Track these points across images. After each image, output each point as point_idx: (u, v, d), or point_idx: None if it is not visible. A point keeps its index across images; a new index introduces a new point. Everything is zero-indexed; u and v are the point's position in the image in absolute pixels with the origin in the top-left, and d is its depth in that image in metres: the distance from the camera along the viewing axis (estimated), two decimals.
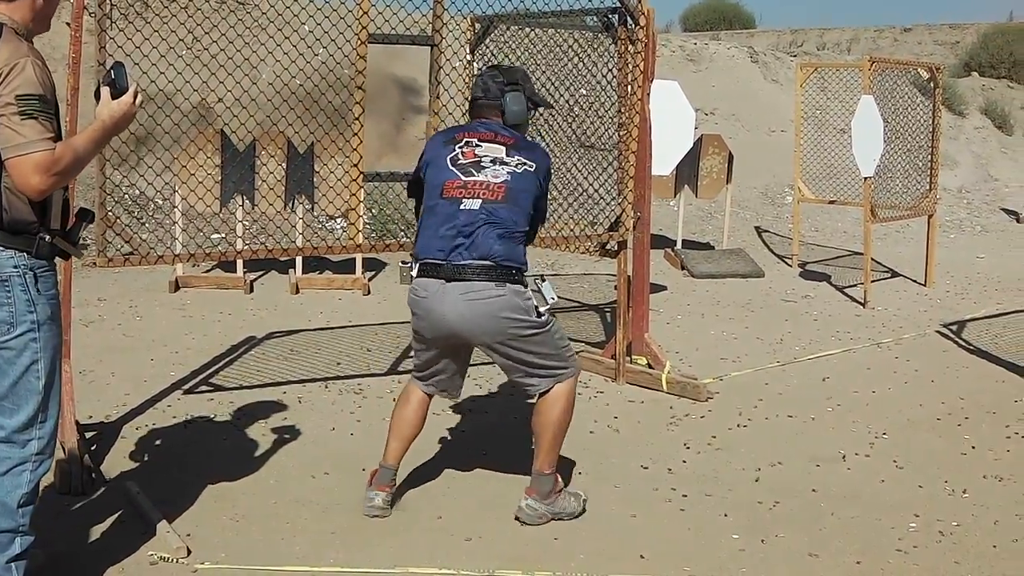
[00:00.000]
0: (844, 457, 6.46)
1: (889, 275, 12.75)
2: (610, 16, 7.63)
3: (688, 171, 12.73)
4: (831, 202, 13.71)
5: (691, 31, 35.29)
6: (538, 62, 8.12)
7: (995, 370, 8.67)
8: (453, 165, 5.09)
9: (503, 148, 5.09)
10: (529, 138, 5.37)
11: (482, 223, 4.97)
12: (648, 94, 7.51)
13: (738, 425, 6.95)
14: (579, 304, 10.24)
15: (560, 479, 5.33)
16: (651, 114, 7.58)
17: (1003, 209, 19.29)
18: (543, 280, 5.14)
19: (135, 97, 3.90)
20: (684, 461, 6.26)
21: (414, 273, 5.11)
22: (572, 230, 7.66)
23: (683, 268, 12.29)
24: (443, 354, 5.24)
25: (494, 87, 5.16)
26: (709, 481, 5.95)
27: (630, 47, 7.50)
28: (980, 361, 8.97)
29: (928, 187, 12.23)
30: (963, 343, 9.55)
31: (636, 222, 7.56)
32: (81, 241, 4.08)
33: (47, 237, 3.86)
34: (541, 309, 5.03)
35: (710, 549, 5.11)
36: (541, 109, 5.93)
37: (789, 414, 7.22)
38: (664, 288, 11.19)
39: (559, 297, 5.55)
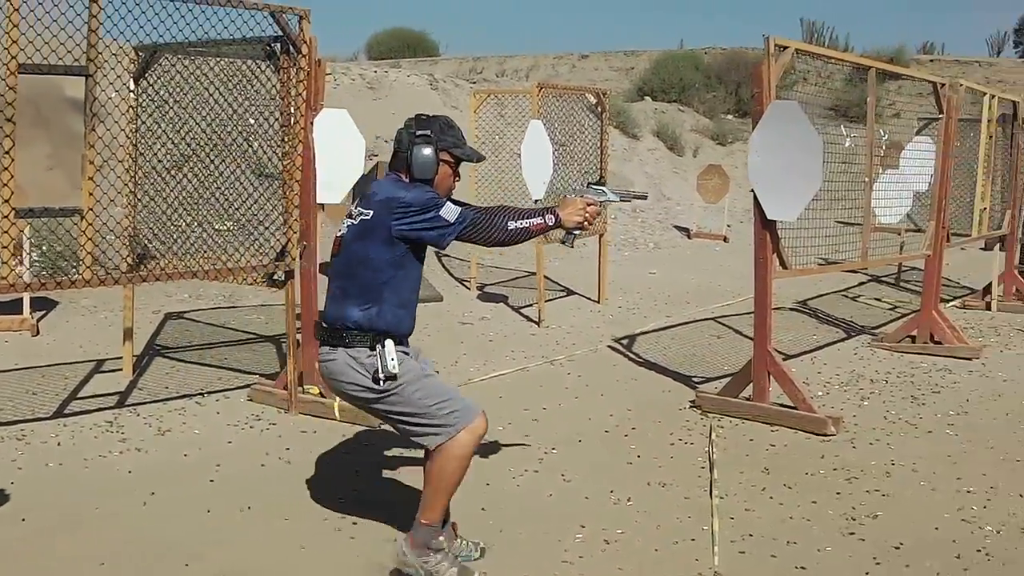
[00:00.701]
0: (513, 475, 6.58)
1: (565, 294, 13.11)
2: (272, 45, 7.57)
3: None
4: None
5: (376, 59, 35.43)
6: (207, 92, 7.97)
7: (663, 380, 9.01)
8: None
9: (359, 201, 5.01)
10: (403, 184, 4.99)
11: (330, 281, 5.05)
12: (311, 122, 7.49)
13: (411, 449, 6.99)
14: (255, 336, 10.11)
15: (443, 540, 5.02)
16: (320, 142, 7.55)
17: (675, 226, 20.09)
18: (382, 345, 4.88)
19: None
20: (355, 489, 6.24)
21: None
22: (238, 261, 7.53)
23: None
24: None
25: (405, 138, 4.97)
26: (380, 507, 5.95)
27: (293, 75, 7.47)
28: (649, 372, 9.31)
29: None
30: (633, 356, 9.89)
31: (303, 251, 7.51)
32: None
33: None
34: (380, 375, 4.85)
35: None
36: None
37: None
38: None
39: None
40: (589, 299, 12.75)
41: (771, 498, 6.32)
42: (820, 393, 8.75)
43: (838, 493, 6.44)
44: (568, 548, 5.50)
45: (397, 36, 40.67)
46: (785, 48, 7.79)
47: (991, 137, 11.93)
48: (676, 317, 11.88)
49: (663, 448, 7.21)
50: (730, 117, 27.50)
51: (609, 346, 10.31)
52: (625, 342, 10.42)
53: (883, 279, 15.44)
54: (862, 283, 15.11)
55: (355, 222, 4.92)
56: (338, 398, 7.36)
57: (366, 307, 4.88)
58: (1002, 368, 9.95)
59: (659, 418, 7.86)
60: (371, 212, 4.87)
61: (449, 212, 4.88)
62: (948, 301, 13.64)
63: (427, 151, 4.94)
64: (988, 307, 13.30)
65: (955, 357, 10.24)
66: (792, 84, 25.88)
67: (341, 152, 8.00)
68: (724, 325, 11.40)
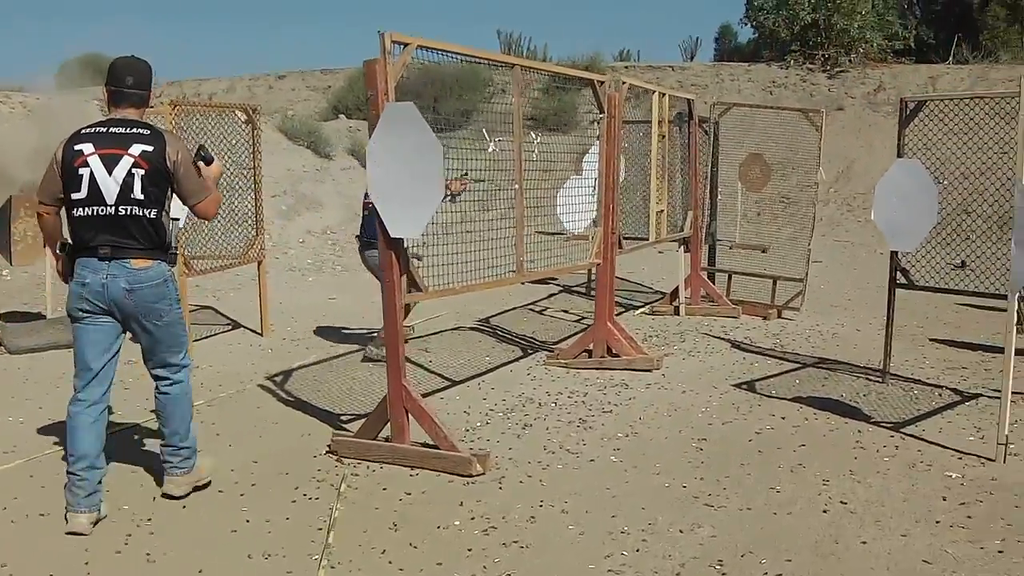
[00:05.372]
0: (89, 555, 5.50)
1: (230, 327, 11.94)
2: None
3: (0, 238, 11.47)
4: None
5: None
6: None
7: (307, 422, 8.04)
8: None
9: None
10: None
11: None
12: None
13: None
14: None
15: None
16: None
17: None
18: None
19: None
20: None
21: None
22: None
23: (0, 345, 10.94)
24: None
25: None
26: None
27: None
28: (295, 413, 8.31)
29: (255, 233, 11.58)
30: (283, 395, 8.87)
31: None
32: None
33: (176, 253, 6.11)
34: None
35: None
36: None
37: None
38: None
39: None
40: (254, 332, 11.63)
41: (390, 563, 5.43)
42: (479, 424, 7.97)
43: (469, 550, 5.59)
44: None
45: (88, 62, 38.60)
46: (406, 45, 6.98)
47: (663, 137, 11.42)
48: (342, 347, 10.90)
49: (282, 508, 6.18)
50: None
51: (260, 385, 9.20)
52: (279, 379, 9.36)
53: (574, 289, 14.90)
54: (552, 295, 14.52)
55: None
56: None
57: None
58: (682, 379, 9.42)
59: (287, 470, 6.85)
60: None
61: None
62: (639, 308, 13.19)
63: None
64: (676, 312, 12.86)
65: (634, 370, 9.65)
66: (491, 96, 25.42)
67: None
68: None
